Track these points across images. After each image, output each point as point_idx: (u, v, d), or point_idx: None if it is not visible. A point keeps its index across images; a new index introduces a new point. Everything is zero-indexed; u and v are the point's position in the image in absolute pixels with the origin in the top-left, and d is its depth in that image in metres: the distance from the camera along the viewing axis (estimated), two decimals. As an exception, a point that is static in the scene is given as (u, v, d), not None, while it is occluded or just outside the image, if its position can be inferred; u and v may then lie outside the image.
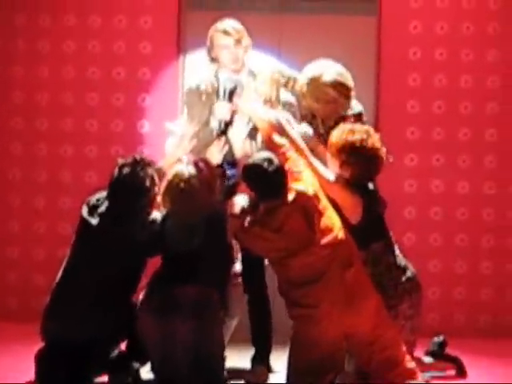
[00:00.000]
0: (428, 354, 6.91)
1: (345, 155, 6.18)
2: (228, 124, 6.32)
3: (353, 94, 6.72)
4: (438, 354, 6.92)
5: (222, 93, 6.46)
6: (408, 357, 6.11)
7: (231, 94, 6.39)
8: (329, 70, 6.64)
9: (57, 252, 8.01)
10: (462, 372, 6.80)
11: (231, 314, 6.59)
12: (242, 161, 6.33)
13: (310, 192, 6.13)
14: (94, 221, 6.35)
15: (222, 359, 6.22)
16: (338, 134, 6.24)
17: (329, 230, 6.11)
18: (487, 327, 8.71)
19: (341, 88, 6.60)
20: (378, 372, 6.13)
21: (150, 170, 6.37)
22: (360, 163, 6.20)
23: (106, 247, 6.29)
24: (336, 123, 6.57)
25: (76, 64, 8.88)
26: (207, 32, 6.71)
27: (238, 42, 6.46)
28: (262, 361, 6.56)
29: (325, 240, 6.11)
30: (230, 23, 6.56)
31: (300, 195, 6.08)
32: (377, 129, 6.95)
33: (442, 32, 8.71)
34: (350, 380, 6.24)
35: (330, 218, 6.13)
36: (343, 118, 6.68)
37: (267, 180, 6.06)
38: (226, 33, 6.46)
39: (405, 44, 8.72)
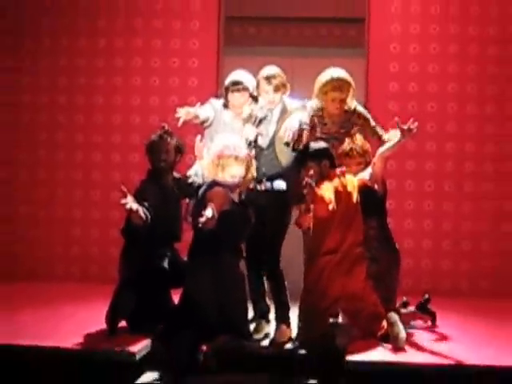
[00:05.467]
0: (416, 306, 6.95)
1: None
2: (250, 143, 6.17)
3: (339, 84, 6.48)
4: (424, 307, 6.95)
5: (253, 119, 6.38)
6: (384, 313, 6.11)
7: (260, 122, 6.29)
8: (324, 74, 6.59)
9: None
10: (434, 323, 6.86)
11: None
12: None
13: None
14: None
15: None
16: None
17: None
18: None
19: (331, 84, 6.46)
20: (364, 323, 6.15)
21: (175, 140, 6.42)
22: None
23: (151, 196, 6.21)
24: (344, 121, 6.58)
25: (141, 94, 8.97)
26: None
27: (277, 88, 6.21)
28: (283, 320, 6.28)
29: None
30: (271, 71, 6.31)
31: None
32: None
33: (414, 70, 8.71)
34: (345, 329, 6.11)
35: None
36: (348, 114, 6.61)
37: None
38: (268, 79, 6.23)
39: (386, 79, 8.71)
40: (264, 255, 6.37)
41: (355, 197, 6.16)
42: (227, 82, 6.65)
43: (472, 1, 8.78)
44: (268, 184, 6.27)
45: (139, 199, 6.06)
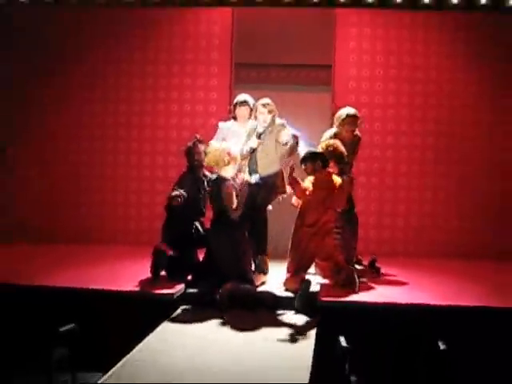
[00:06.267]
0: (368, 264, 7.07)
1: None
2: (254, 149, 6.28)
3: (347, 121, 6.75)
4: (372, 264, 7.05)
5: (255, 134, 6.40)
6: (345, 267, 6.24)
7: (260, 135, 6.33)
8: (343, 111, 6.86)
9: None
10: (378, 275, 6.93)
11: None
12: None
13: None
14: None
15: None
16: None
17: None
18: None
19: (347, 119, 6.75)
20: (332, 274, 6.23)
21: (204, 146, 6.48)
22: None
23: (187, 184, 6.41)
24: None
25: (177, 117, 8.85)
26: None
27: (269, 112, 6.30)
28: (261, 269, 6.39)
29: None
30: (265, 101, 6.39)
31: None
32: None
33: (364, 101, 8.58)
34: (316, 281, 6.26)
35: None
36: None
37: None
38: (263, 106, 6.32)
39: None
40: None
41: (334, 189, 6.16)
42: (235, 100, 6.84)
43: (404, 53, 8.68)
44: (255, 177, 6.34)
45: (179, 186, 6.32)
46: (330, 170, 6.27)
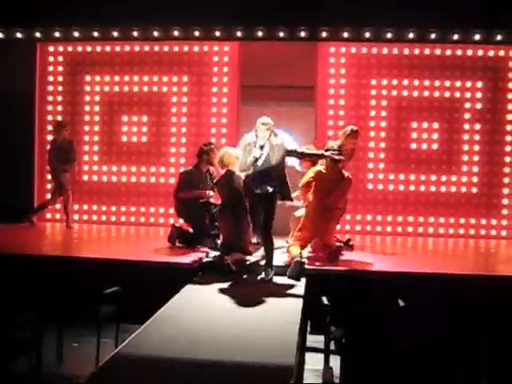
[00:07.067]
0: (344, 242, 7.00)
1: None
2: (257, 158, 5.70)
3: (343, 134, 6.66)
4: (347, 242, 7.00)
5: (258, 146, 5.78)
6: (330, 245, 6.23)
7: (262, 147, 5.74)
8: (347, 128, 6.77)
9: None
10: (351, 249, 6.90)
11: None
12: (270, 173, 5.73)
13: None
14: None
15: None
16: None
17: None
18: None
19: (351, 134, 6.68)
20: (321, 250, 6.23)
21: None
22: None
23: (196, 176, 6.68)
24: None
25: (197, 127, 8.76)
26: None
27: (268, 129, 5.75)
28: (269, 264, 5.76)
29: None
30: (265, 119, 5.85)
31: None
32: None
33: (341, 114, 8.57)
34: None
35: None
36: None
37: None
38: (263, 124, 5.76)
39: (326, 119, 8.54)
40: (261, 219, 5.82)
41: (339, 182, 6.17)
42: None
43: (372, 76, 8.63)
44: (262, 186, 5.73)
45: (191, 178, 6.68)
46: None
